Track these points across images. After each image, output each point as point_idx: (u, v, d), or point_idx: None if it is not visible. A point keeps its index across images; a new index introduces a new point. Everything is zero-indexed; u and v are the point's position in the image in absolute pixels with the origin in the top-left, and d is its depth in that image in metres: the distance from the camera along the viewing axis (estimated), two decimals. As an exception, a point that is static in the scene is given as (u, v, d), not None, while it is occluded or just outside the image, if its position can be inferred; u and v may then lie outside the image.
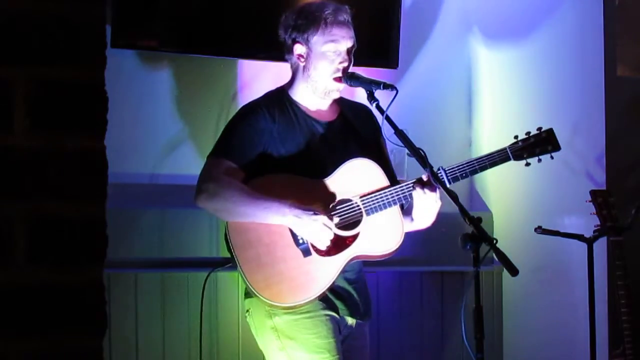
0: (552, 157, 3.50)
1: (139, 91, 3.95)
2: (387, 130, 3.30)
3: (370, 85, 3.34)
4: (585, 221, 3.90)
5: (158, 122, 4.01)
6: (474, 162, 3.42)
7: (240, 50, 4.09)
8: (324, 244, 3.29)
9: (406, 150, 3.31)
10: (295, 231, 3.29)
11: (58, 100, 1.42)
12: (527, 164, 3.47)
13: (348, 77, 3.37)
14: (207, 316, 3.79)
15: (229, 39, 4.05)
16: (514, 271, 2.96)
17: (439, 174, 3.33)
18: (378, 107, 3.30)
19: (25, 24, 1.40)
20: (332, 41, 3.36)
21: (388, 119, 3.26)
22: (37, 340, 1.41)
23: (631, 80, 4.32)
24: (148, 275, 3.80)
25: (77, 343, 1.43)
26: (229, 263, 3.43)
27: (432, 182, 3.30)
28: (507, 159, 3.44)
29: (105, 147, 1.45)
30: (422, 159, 3.23)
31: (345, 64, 3.38)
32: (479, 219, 3.04)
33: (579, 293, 3.97)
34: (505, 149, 3.44)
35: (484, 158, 3.43)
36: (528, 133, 3.48)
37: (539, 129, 3.49)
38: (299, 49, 3.40)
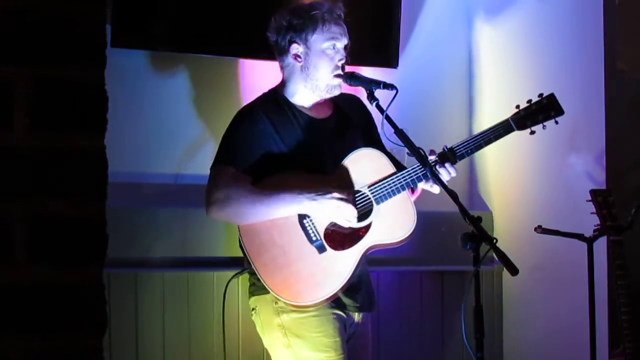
0: (556, 122, 3.47)
1: (140, 91, 3.95)
2: (387, 130, 3.30)
3: (370, 85, 3.34)
4: (585, 220, 3.90)
5: (158, 122, 4.01)
6: (478, 137, 3.43)
7: (241, 49, 4.08)
8: (350, 218, 3.28)
9: (406, 150, 3.31)
10: (315, 216, 3.29)
11: (58, 99, 1.42)
12: (532, 132, 3.46)
13: (348, 77, 3.38)
14: (207, 316, 3.79)
15: (230, 38, 4.05)
16: (514, 270, 2.96)
17: (445, 152, 3.36)
18: (378, 107, 3.31)
19: (25, 23, 1.40)
20: (332, 39, 3.38)
21: (388, 118, 3.27)
22: (37, 340, 1.41)
23: (632, 80, 4.32)
24: (148, 275, 3.80)
25: (77, 343, 1.43)
26: (245, 266, 3.43)
27: (432, 179, 3.31)
28: (510, 130, 3.43)
29: (105, 146, 1.45)
30: (421, 158, 3.24)
31: (343, 61, 3.40)
32: (479, 219, 3.05)
33: (579, 292, 3.97)
34: (507, 119, 3.44)
35: (487, 131, 3.43)
36: (529, 101, 3.47)
37: (540, 95, 3.47)
38: (296, 48, 3.41)
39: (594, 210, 3.82)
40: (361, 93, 3.49)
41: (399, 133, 3.26)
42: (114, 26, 3.76)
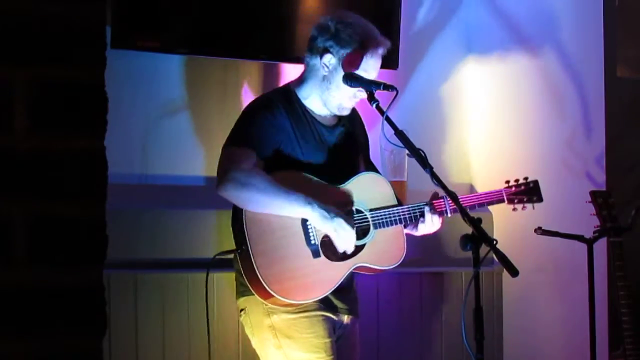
0: (533, 207, 3.65)
1: (140, 92, 3.95)
2: (387, 131, 3.30)
3: (370, 86, 3.34)
4: (585, 222, 3.90)
5: (158, 122, 4.01)
6: (474, 198, 3.57)
7: (241, 51, 4.08)
8: (347, 245, 3.31)
9: (406, 151, 3.31)
10: (317, 227, 3.29)
11: (58, 100, 1.42)
12: (514, 209, 3.64)
13: (348, 78, 3.36)
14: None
15: (230, 40, 4.05)
16: (514, 272, 2.96)
17: (442, 203, 3.45)
18: (378, 108, 3.30)
19: (25, 24, 1.40)
20: (365, 70, 3.37)
21: (388, 119, 3.27)
22: (37, 340, 1.41)
23: (631, 81, 4.33)
24: (148, 276, 3.80)
25: (77, 343, 1.43)
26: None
27: (434, 181, 3.31)
28: (502, 201, 3.62)
29: (105, 147, 1.45)
30: (422, 159, 3.23)
31: (362, 92, 3.38)
32: (479, 220, 3.05)
33: (579, 293, 3.97)
34: (501, 191, 3.62)
35: (482, 197, 3.61)
36: (517, 180, 3.64)
37: (526, 178, 3.65)
38: (329, 58, 3.38)
39: (594, 212, 3.83)
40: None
41: (399, 134, 3.26)
42: (114, 27, 3.75)
